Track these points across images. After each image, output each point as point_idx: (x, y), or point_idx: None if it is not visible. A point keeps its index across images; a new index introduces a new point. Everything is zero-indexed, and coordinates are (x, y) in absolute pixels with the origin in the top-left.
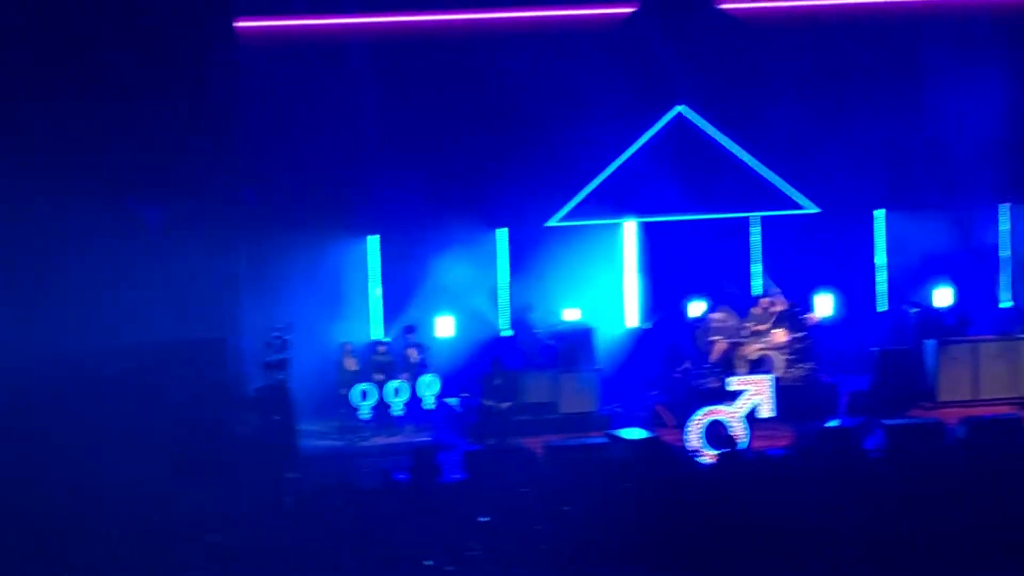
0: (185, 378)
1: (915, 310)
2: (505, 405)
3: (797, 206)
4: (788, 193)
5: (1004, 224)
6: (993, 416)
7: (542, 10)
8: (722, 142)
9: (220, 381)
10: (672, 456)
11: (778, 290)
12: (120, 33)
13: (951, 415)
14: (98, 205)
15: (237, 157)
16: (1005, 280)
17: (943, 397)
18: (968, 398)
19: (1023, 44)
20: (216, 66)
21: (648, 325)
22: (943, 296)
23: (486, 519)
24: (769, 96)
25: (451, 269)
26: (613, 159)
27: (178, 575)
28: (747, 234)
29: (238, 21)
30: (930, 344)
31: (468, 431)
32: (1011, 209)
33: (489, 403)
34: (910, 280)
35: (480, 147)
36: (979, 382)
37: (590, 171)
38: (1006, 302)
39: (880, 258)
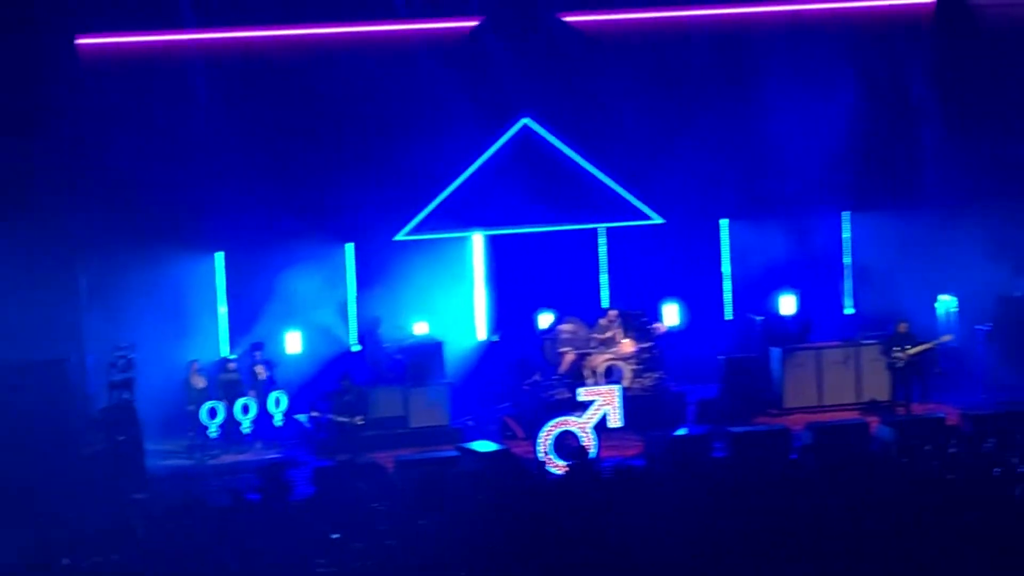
0: (28, 399)
1: (760, 318)
2: (358, 419)
3: (643, 217)
4: (634, 204)
5: (846, 231)
6: (839, 421)
7: (386, 24)
8: (567, 153)
9: (64, 402)
10: (523, 468)
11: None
12: None
13: (797, 421)
14: None
15: (78, 174)
16: (848, 287)
17: (789, 404)
18: (814, 404)
19: (860, 55)
20: (57, 83)
21: (496, 338)
22: (788, 304)
23: (337, 536)
24: (614, 108)
25: (299, 285)
26: (460, 172)
27: None
28: (595, 245)
29: (79, 38)
30: (775, 352)
31: (318, 447)
32: (852, 217)
33: (341, 419)
34: (755, 288)
35: (327, 162)
36: (823, 388)
37: (437, 184)
38: (849, 308)
39: (726, 267)
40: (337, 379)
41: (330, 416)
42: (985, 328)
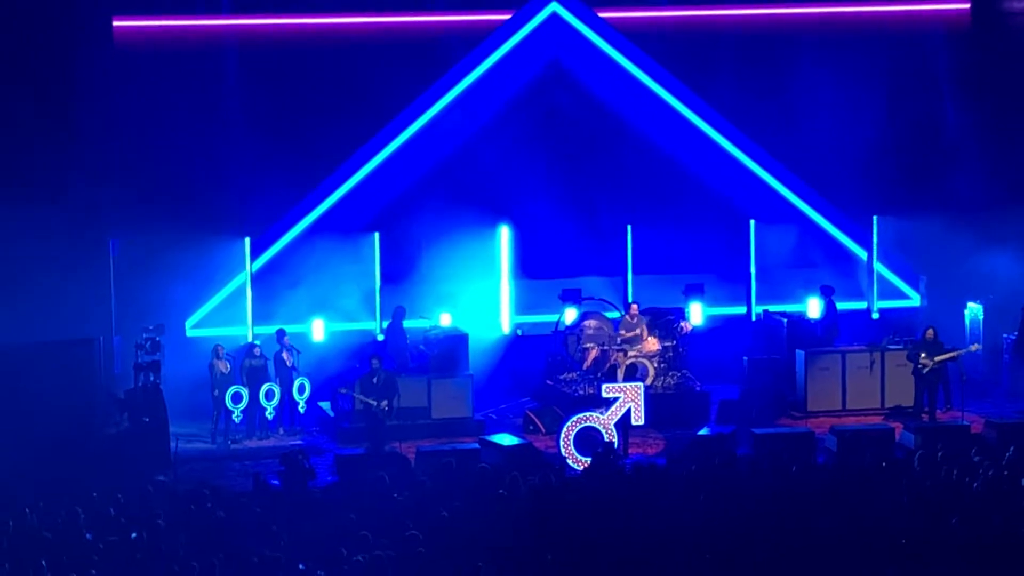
0: (56, 378)
1: (786, 320)
2: (383, 404)
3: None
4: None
5: (875, 235)
6: (864, 426)
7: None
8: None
9: (91, 382)
10: (544, 462)
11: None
12: None
13: (821, 424)
14: None
15: (110, 157)
16: (875, 291)
17: (812, 407)
18: (837, 408)
19: (895, 59)
20: (92, 65)
21: (520, 332)
22: (814, 306)
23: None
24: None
25: (324, 273)
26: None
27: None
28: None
29: (116, 20)
30: (800, 354)
31: (340, 435)
32: (880, 221)
33: (368, 400)
34: (781, 289)
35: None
36: (847, 392)
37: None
38: (876, 313)
39: (752, 267)
40: (367, 360)
41: (357, 396)
42: (1011, 337)
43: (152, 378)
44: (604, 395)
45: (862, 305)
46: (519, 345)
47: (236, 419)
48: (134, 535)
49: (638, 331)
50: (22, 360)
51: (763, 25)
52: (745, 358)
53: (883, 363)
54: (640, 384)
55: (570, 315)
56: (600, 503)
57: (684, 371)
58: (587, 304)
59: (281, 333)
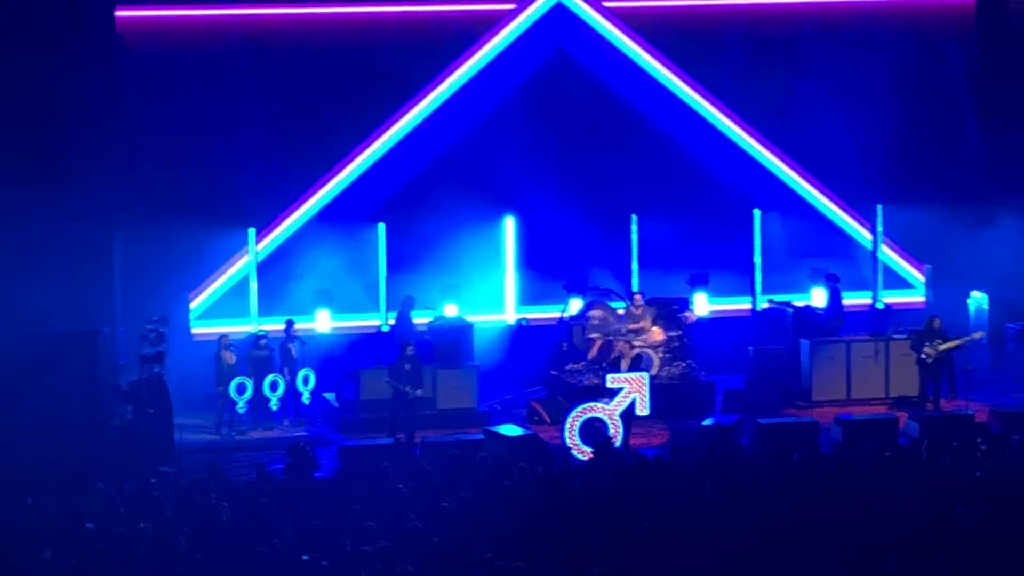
0: (60, 370)
1: (791, 310)
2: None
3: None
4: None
5: (879, 225)
6: (868, 416)
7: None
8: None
9: (95, 373)
10: (548, 453)
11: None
12: None
13: (826, 414)
14: None
15: (113, 146)
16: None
17: (817, 396)
18: (842, 398)
19: (899, 51)
20: (94, 55)
21: (525, 322)
22: (818, 296)
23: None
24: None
25: (331, 263)
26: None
27: (50, 568)
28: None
29: (119, 10)
30: (805, 344)
31: (344, 425)
32: (884, 210)
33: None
34: (784, 279)
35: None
36: (852, 382)
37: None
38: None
39: (757, 257)
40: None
41: (394, 384)
42: (1015, 326)
43: (156, 369)
44: (609, 385)
45: (867, 295)
46: (524, 336)
47: (240, 410)
48: (141, 526)
49: (643, 321)
50: (26, 352)
51: (767, 15)
52: (750, 348)
53: (888, 353)
54: (645, 374)
55: (575, 305)
56: (604, 493)
57: (689, 361)
58: (592, 293)
59: (290, 323)
